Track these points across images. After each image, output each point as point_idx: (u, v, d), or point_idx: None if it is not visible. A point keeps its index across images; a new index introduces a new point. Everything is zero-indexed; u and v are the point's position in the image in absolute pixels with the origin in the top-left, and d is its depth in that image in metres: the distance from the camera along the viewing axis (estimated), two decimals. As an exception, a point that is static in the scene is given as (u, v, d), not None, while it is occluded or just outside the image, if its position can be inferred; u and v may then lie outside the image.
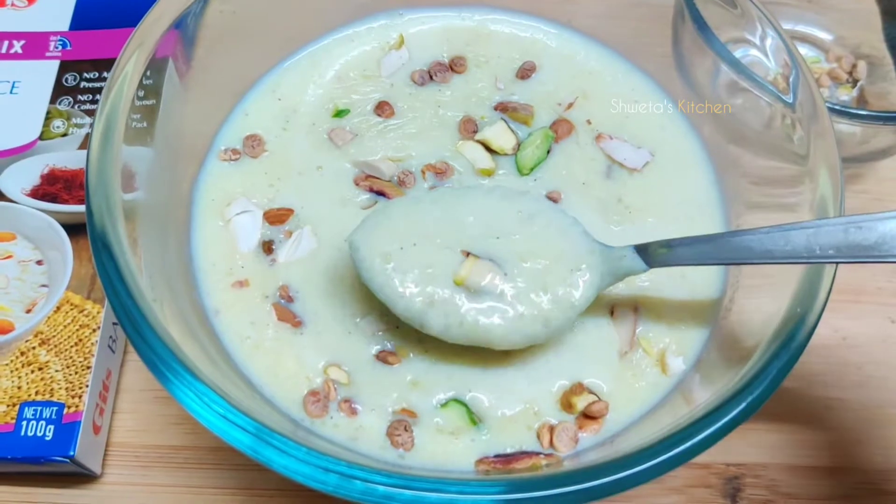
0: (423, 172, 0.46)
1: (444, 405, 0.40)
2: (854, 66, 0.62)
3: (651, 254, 0.39)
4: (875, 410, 0.51)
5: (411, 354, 0.41)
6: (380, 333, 0.42)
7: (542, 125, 0.49)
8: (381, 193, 0.45)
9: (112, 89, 0.39)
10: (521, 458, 0.39)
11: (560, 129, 0.48)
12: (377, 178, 0.46)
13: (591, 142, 0.49)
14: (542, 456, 0.39)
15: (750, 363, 0.34)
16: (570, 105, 0.50)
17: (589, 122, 0.49)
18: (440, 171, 0.46)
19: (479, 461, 0.39)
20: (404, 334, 0.42)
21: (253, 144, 0.47)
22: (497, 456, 0.39)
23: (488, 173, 0.47)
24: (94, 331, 0.48)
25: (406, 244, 0.38)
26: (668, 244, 0.39)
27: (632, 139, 0.49)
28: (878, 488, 0.49)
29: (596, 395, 0.41)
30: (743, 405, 0.33)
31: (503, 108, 0.49)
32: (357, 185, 0.46)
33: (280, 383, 0.40)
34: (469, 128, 0.48)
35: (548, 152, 0.48)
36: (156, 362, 0.33)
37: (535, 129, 0.48)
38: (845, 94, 0.62)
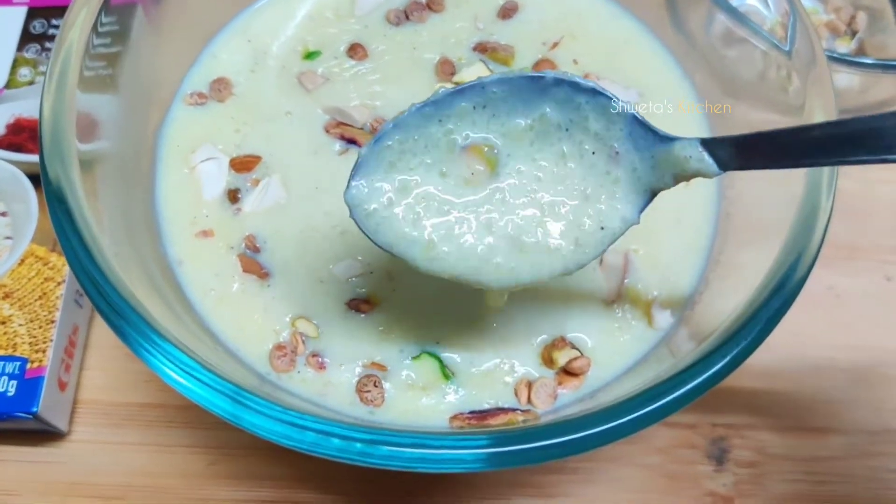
0: None
1: (415, 357, 0.39)
2: (853, 17, 0.60)
3: (724, 152, 0.32)
4: (866, 370, 0.50)
5: (383, 302, 0.40)
6: (353, 279, 0.40)
7: (523, 66, 0.47)
8: (352, 141, 0.44)
9: (66, 37, 0.37)
10: (497, 415, 0.38)
11: (542, 69, 0.46)
12: (349, 126, 0.44)
13: (577, 82, 0.46)
14: (518, 412, 0.38)
15: (739, 311, 0.33)
16: (556, 44, 0.47)
17: (575, 61, 0.47)
18: None
19: (454, 417, 0.38)
20: (378, 279, 0.40)
21: (220, 88, 0.45)
22: (472, 412, 0.38)
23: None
24: (58, 284, 0.46)
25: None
26: (751, 140, 0.31)
27: (621, 81, 0.47)
28: (867, 450, 0.48)
29: (579, 350, 0.39)
30: (729, 357, 0.31)
31: (482, 49, 0.47)
32: (328, 132, 0.44)
33: (246, 337, 0.39)
34: (446, 69, 0.46)
35: None
36: (115, 321, 0.32)
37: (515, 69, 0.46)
38: (843, 47, 0.59)
